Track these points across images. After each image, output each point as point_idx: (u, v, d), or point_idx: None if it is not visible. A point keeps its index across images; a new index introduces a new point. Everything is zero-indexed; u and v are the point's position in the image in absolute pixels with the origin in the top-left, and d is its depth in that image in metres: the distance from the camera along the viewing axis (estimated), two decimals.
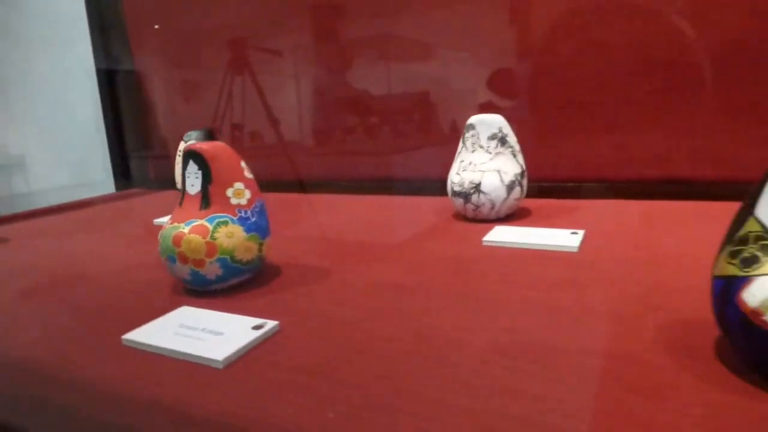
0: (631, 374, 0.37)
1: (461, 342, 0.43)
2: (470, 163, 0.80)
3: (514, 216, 0.83)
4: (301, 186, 1.31)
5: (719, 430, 0.31)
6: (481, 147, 0.80)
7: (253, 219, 0.57)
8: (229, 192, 0.56)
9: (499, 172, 0.78)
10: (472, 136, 0.81)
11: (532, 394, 0.35)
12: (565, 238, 0.67)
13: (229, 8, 1.35)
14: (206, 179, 0.56)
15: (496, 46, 1.04)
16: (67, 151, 1.82)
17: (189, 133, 1.00)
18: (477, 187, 0.78)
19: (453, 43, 1.09)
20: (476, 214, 0.80)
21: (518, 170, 0.79)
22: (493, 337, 0.44)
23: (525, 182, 0.81)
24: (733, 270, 0.35)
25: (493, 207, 0.78)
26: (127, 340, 0.46)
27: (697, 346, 0.40)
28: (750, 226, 0.35)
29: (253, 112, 1.37)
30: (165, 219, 0.85)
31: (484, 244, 0.69)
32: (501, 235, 0.71)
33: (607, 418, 0.32)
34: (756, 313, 0.33)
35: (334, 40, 1.25)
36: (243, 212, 0.57)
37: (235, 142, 1.41)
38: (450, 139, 1.09)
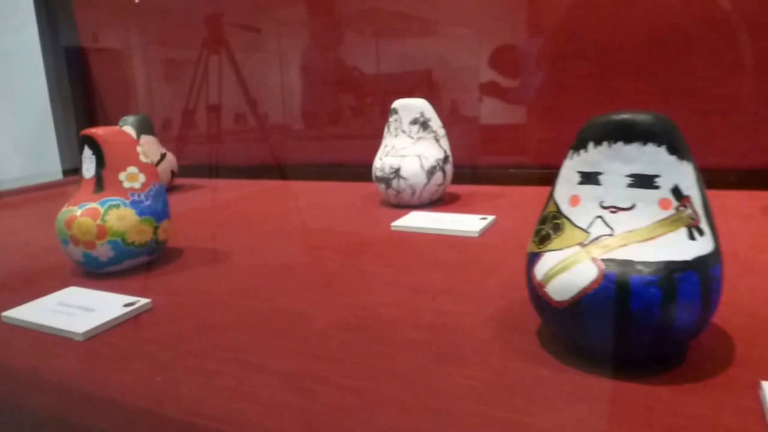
0: (448, 345, 0.39)
1: (310, 317, 0.46)
2: (393, 148, 0.81)
3: (439, 201, 0.85)
4: (278, 171, 1.31)
5: (498, 389, 0.33)
6: (404, 132, 0.81)
7: (147, 202, 0.59)
8: (122, 176, 0.58)
9: (419, 157, 0.79)
10: (395, 120, 0.82)
11: (352, 361, 0.38)
12: (471, 224, 0.69)
13: None
14: (99, 163, 0.58)
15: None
16: (17, 137, 1.79)
17: (124, 118, 1.02)
18: (397, 173, 0.79)
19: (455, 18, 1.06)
20: (398, 200, 0.82)
21: (440, 155, 0.81)
22: (343, 314, 0.46)
23: (449, 168, 0.82)
24: (533, 247, 0.37)
25: (413, 192, 0.80)
26: (6, 317, 0.49)
27: (526, 321, 0.42)
28: (549, 207, 0.37)
29: (234, 93, 1.34)
30: None
31: (392, 228, 0.71)
32: (411, 220, 0.73)
33: (405, 382, 0.34)
34: (540, 285, 0.35)
35: (320, 16, 1.22)
36: (136, 196, 0.58)
37: (211, 125, 1.42)
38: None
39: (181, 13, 1.38)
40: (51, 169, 1.61)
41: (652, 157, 0.32)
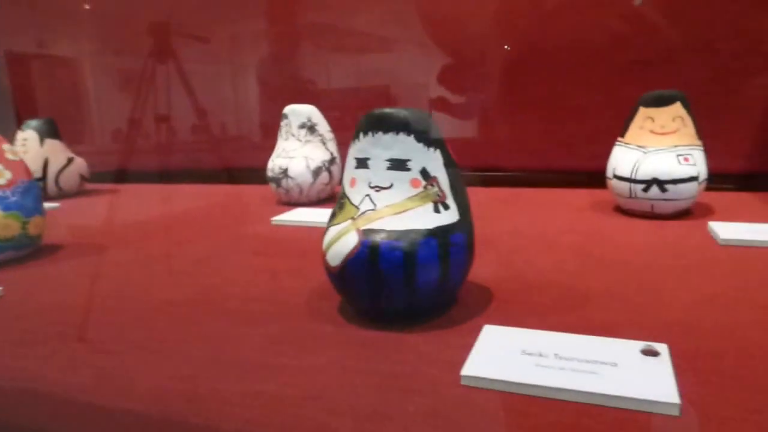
0: (260, 312, 0.46)
1: (151, 295, 0.52)
2: (283, 150, 0.89)
3: (328, 200, 0.92)
4: (200, 176, 1.33)
5: (280, 342, 0.40)
6: (293, 135, 0.89)
7: (14, 198, 0.63)
8: None
9: (306, 158, 0.87)
10: (286, 125, 0.90)
11: (167, 329, 0.44)
12: None
13: None
14: None
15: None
16: None
17: (27, 122, 1.05)
18: (285, 173, 0.86)
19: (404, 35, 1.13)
20: (288, 198, 0.89)
21: (327, 157, 0.88)
22: (185, 292, 0.52)
23: (335, 168, 0.90)
24: (327, 224, 0.44)
25: (301, 191, 0.87)
26: None
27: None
28: (341, 190, 0.44)
29: (175, 101, 1.36)
30: None
31: (272, 223, 0.78)
32: (291, 215, 0.80)
33: (207, 341, 0.41)
34: (324, 254, 0.42)
35: (276, 27, 1.27)
36: (1, 192, 0.62)
37: (159, 133, 1.44)
38: None
39: (116, 19, 1.42)
40: None
41: (403, 145, 0.40)
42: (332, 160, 0.89)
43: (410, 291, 0.39)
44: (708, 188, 0.69)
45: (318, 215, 0.78)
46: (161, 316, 0.47)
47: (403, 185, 0.40)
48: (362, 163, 0.42)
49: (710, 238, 0.59)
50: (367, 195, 0.41)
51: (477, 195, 0.90)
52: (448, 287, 0.42)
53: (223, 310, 0.47)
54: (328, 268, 0.42)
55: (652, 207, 0.68)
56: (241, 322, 0.44)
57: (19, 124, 1.58)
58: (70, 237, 0.76)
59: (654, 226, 0.66)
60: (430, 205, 0.40)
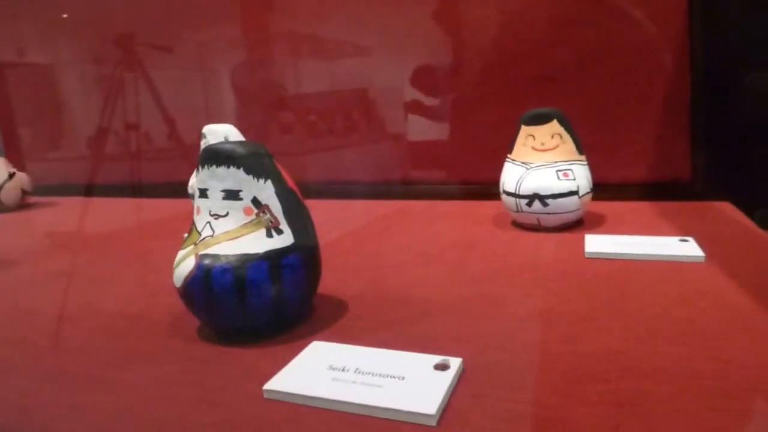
0: (122, 329, 0.49)
1: (21, 313, 0.55)
2: None
3: None
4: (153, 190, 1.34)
5: (124, 356, 0.43)
6: None
7: None
8: None
9: None
10: (204, 144, 0.92)
11: (25, 344, 0.47)
12: None
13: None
14: None
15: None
16: None
17: None
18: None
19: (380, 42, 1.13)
20: None
21: None
22: (68, 308, 0.56)
23: None
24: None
25: None
26: None
27: None
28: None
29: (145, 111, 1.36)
30: None
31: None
32: None
33: (62, 353, 0.44)
34: (172, 276, 0.45)
35: (249, 34, 1.26)
36: None
37: (128, 143, 1.44)
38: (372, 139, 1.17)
39: (90, 30, 1.41)
40: None
41: (235, 177, 0.43)
42: None
43: (243, 310, 0.42)
44: (610, 198, 0.72)
45: None
46: (27, 331, 0.49)
47: (238, 213, 0.44)
48: (203, 193, 0.45)
49: (581, 251, 0.63)
50: (208, 222, 0.44)
51: (386, 209, 0.95)
52: (285, 306, 0.45)
53: (92, 326, 0.50)
54: (176, 289, 0.45)
55: (539, 220, 0.71)
56: (104, 338, 0.47)
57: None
58: None
59: (538, 239, 0.69)
60: (262, 231, 0.43)
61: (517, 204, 0.71)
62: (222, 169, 0.43)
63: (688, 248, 0.59)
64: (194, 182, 0.86)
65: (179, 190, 1.30)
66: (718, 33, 0.84)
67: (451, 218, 0.87)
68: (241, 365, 0.41)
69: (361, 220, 0.89)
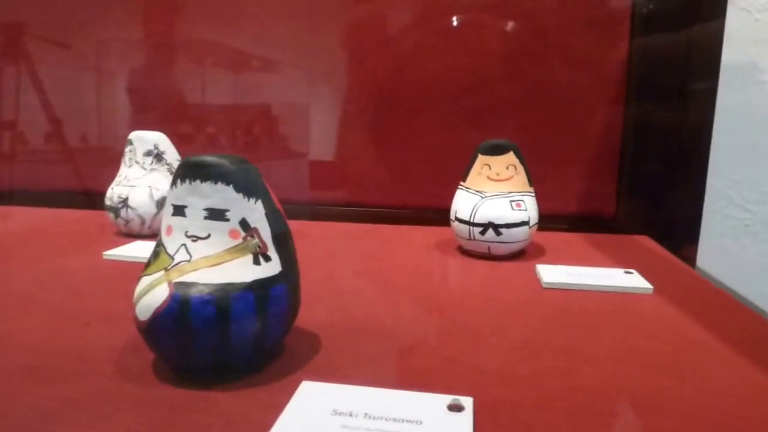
0: (59, 368, 0.41)
1: None
2: (125, 178, 0.82)
3: None
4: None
5: (74, 406, 0.35)
6: (137, 162, 0.82)
7: None
8: None
9: (150, 187, 0.81)
10: (130, 151, 0.83)
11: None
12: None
13: None
14: None
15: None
16: None
17: None
18: (125, 202, 0.80)
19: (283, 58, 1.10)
20: (129, 230, 0.82)
21: None
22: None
23: None
24: (142, 272, 0.41)
25: (143, 223, 0.81)
26: None
27: None
28: (159, 236, 0.41)
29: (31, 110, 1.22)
30: None
31: (104, 257, 0.71)
32: (128, 249, 0.73)
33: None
34: (133, 307, 0.39)
35: (150, 37, 1.17)
36: None
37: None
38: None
39: None
40: None
41: (222, 194, 0.38)
42: None
43: (224, 348, 0.37)
44: (540, 228, 0.75)
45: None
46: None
47: (221, 236, 0.38)
48: (179, 210, 0.39)
49: (536, 281, 0.65)
50: (183, 244, 0.39)
51: (331, 231, 0.91)
52: (267, 342, 0.40)
53: (13, 366, 0.41)
54: (137, 322, 0.38)
55: (489, 249, 0.72)
56: (32, 382, 0.39)
57: None
58: None
59: (489, 267, 0.70)
60: (249, 257, 0.39)
61: (470, 232, 0.72)
62: (207, 185, 0.38)
63: (636, 280, 0.63)
64: (121, 192, 0.77)
65: (75, 200, 1.17)
66: (652, 78, 0.92)
67: (394, 243, 0.85)
68: (221, 413, 0.35)
69: (301, 243, 0.85)
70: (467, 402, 0.35)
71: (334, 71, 1.05)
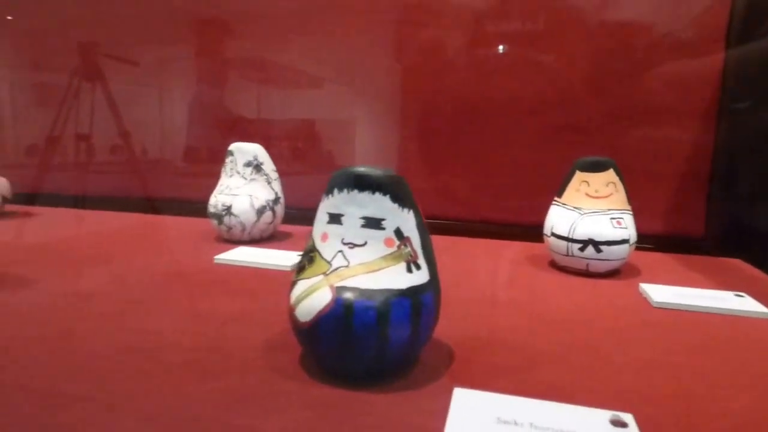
0: (215, 364, 0.44)
1: (88, 340, 0.48)
2: (227, 187, 0.86)
3: (270, 239, 0.90)
4: (141, 204, 1.28)
5: (244, 399, 0.38)
6: (238, 173, 0.86)
7: None
8: None
9: (251, 196, 0.84)
10: (231, 162, 0.87)
11: (115, 380, 0.41)
12: (286, 260, 0.74)
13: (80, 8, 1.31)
14: None
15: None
16: None
17: None
18: (228, 210, 0.83)
19: (330, 74, 1.15)
20: (230, 235, 0.86)
21: (271, 197, 0.87)
22: (124, 338, 0.49)
23: (279, 208, 0.88)
24: (294, 276, 0.43)
25: (244, 229, 0.84)
26: None
27: (296, 344, 0.47)
28: (309, 242, 0.43)
29: (103, 123, 1.31)
30: None
31: (215, 261, 0.75)
32: (236, 254, 0.77)
33: (162, 396, 0.38)
34: (292, 309, 0.41)
35: (206, 56, 1.25)
36: None
37: (79, 154, 1.36)
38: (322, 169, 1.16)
39: (51, 36, 1.34)
40: None
41: (379, 204, 0.40)
42: (276, 200, 0.88)
43: (381, 351, 0.39)
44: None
45: (264, 256, 0.76)
46: (102, 365, 0.43)
47: (377, 244, 0.40)
48: (335, 218, 0.41)
49: (643, 299, 0.64)
50: (340, 251, 0.41)
51: None
52: (416, 348, 0.42)
53: (169, 362, 0.44)
54: (297, 323, 0.40)
55: (587, 266, 0.72)
56: (194, 375, 0.42)
57: None
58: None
59: (588, 285, 0.70)
60: (402, 265, 0.40)
61: (568, 248, 0.72)
62: (365, 195, 0.40)
63: (750, 304, 0.62)
64: (224, 200, 0.80)
65: (140, 205, 1.24)
66: (745, 95, 0.91)
67: (482, 257, 0.86)
68: (380, 414, 0.37)
69: None
70: (628, 418, 0.36)
71: (412, 87, 1.07)
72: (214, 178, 0.91)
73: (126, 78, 1.31)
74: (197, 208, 1.14)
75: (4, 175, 1.07)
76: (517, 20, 1.00)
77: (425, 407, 0.38)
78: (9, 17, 1.39)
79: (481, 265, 0.81)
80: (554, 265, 0.78)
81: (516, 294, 0.66)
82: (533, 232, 0.93)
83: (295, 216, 0.97)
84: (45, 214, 1.14)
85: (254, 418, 0.36)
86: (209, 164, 1.24)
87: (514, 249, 0.89)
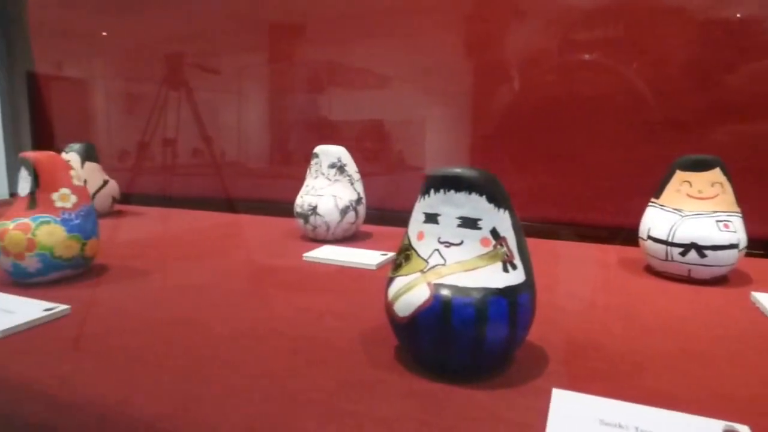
0: (318, 353, 0.46)
1: (207, 327, 0.52)
2: (312, 188, 0.90)
3: (352, 238, 0.93)
4: (226, 204, 1.37)
5: (348, 386, 0.40)
6: (323, 174, 0.90)
7: (77, 221, 0.64)
8: (55, 196, 0.64)
9: (335, 197, 0.88)
10: (316, 163, 0.91)
11: (236, 362, 0.44)
12: (371, 258, 0.77)
13: (166, 21, 1.42)
14: (34, 183, 0.63)
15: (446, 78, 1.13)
16: None
17: (70, 145, 1.07)
18: (314, 210, 0.87)
19: (404, 74, 1.17)
20: (315, 234, 0.90)
21: (354, 197, 0.90)
22: (237, 325, 0.52)
23: (362, 208, 0.91)
24: (390, 273, 0.45)
25: (328, 228, 0.88)
26: None
27: (390, 338, 0.48)
28: (404, 241, 0.45)
29: (189, 128, 1.42)
30: None
31: (304, 259, 0.78)
32: (322, 252, 0.80)
33: (274, 378, 0.41)
34: (390, 304, 0.42)
35: (283, 61, 1.31)
36: (67, 215, 0.64)
37: (165, 157, 1.48)
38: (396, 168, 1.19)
39: (143, 48, 1.46)
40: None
41: (475, 204, 0.41)
42: (359, 200, 0.91)
43: (477, 348, 0.39)
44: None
45: (349, 255, 0.79)
46: (223, 349, 0.46)
47: (474, 243, 0.41)
48: (432, 218, 0.42)
49: (756, 310, 0.60)
50: (437, 250, 0.42)
51: None
52: (512, 347, 0.42)
53: (280, 348, 0.47)
54: (395, 318, 0.42)
55: (689, 272, 0.68)
56: (302, 362, 0.44)
57: (43, 146, 1.61)
58: (111, 258, 0.78)
59: (691, 292, 0.66)
60: (499, 265, 0.41)
61: (667, 252, 0.68)
62: (461, 195, 0.41)
63: None
64: (310, 201, 0.84)
65: (220, 205, 1.31)
66: None
67: (572, 260, 0.84)
68: (482, 408, 0.37)
69: None
70: (744, 430, 0.34)
71: (492, 85, 1.06)
72: (290, 179, 0.95)
73: (209, 85, 1.40)
74: (275, 207, 1.21)
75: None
76: (608, 11, 0.96)
77: (525, 405, 0.38)
78: (104, 33, 1.53)
79: (572, 268, 0.79)
80: (650, 270, 0.75)
81: (610, 299, 0.64)
82: (625, 234, 0.89)
83: (373, 216, 1.00)
84: (146, 213, 1.25)
85: (359, 404, 0.38)
86: (286, 166, 1.30)
87: (604, 252, 0.86)
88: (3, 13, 1.60)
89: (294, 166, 1.28)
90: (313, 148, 0.93)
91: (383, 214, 1.08)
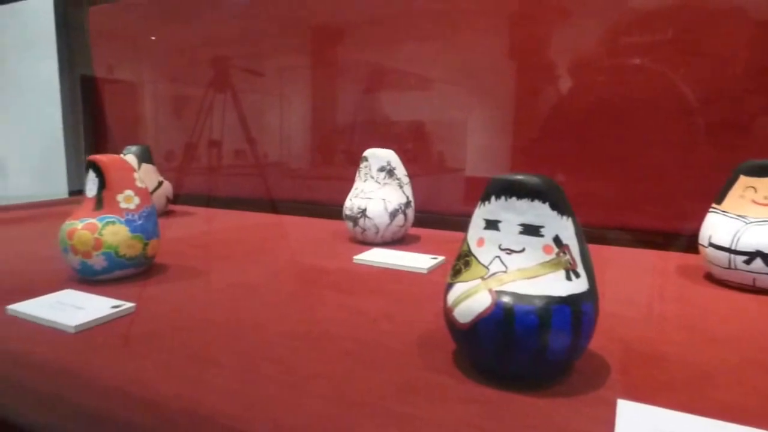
0: (375, 356, 0.47)
1: (263, 327, 0.53)
2: (361, 191, 0.90)
3: (401, 241, 0.93)
4: (267, 205, 1.39)
5: (405, 390, 0.40)
6: (372, 177, 0.91)
7: (140, 222, 0.67)
8: (120, 197, 0.67)
9: (384, 200, 0.88)
10: (365, 167, 0.92)
11: (291, 363, 0.45)
12: (421, 262, 0.77)
13: (213, 25, 1.45)
14: (101, 185, 0.66)
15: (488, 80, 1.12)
16: (31, 159, 1.88)
17: (128, 147, 1.11)
18: (363, 212, 0.88)
19: (446, 76, 1.17)
20: (364, 237, 0.91)
21: (403, 200, 0.90)
22: (292, 326, 0.54)
23: (410, 211, 0.91)
24: (449, 279, 0.45)
25: (377, 231, 0.88)
26: (10, 310, 0.56)
27: (446, 343, 0.48)
28: (463, 247, 0.45)
29: (233, 130, 1.45)
30: None
31: (354, 261, 0.79)
32: (372, 255, 0.81)
33: (331, 380, 0.42)
34: (450, 310, 0.42)
35: (325, 64, 1.33)
36: (130, 215, 0.67)
37: (211, 159, 1.52)
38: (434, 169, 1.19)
39: (191, 52, 1.50)
40: (59, 189, 1.71)
41: (538, 211, 0.41)
42: (408, 203, 0.91)
43: (540, 356, 0.39)
44: None
45: (398, 258, 0.79)
46: (279, 349, 0.48)
47: (536, 251, 0.41)
48: (492, 225, 0.42)
49: None
50: (497, 256, 0.42)
51: None
52: (575, 356, 0.41)
53: (334, 350, 0.48)
54: (455, 324, 0.42)
55: (754, 281, 0.65)
56: (358, 364, 0.45)
57: (100, 147, 1.69)
58: (170, 257, 0.80)
59: (757, 301, 0.64)
60: (561, 273, 0.40)
61: (730, 260, 0.66)
62: (523, 202, 0.41)
63: None
64: (360, 204, 0.85)
65: (263, 206, 1.34)
66: None
67: (627, 266, 0.82)
68: (543, 416, 0.37)
69: None
70: None
71: (538, 87, 1.05)
72: (335, 180, 0.95)
73: (253, 87, 1.42)
74: (319, 209, 1.22)
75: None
76: (666, 10, 0.93)
77: (589, 415, 0.37)
78: (153, 37, 1.58)
79: (629, 275, 0.77)
80: (711, 278, 0.72)
81: (671, 307, 0.62)
82: (682, 241, 0.86)
83: (420, 219, 1.00)
84: (196, 213, 1.29)
85: (416, 407, 0.38)
86: (330, 167, 1.31)
87: (661, 258, 0.84)
88: (65, 21, 1.68)
89: (338, 168, 1.30)
90: (355, 149, 0.94)
91: (425, 216, 1.08)
